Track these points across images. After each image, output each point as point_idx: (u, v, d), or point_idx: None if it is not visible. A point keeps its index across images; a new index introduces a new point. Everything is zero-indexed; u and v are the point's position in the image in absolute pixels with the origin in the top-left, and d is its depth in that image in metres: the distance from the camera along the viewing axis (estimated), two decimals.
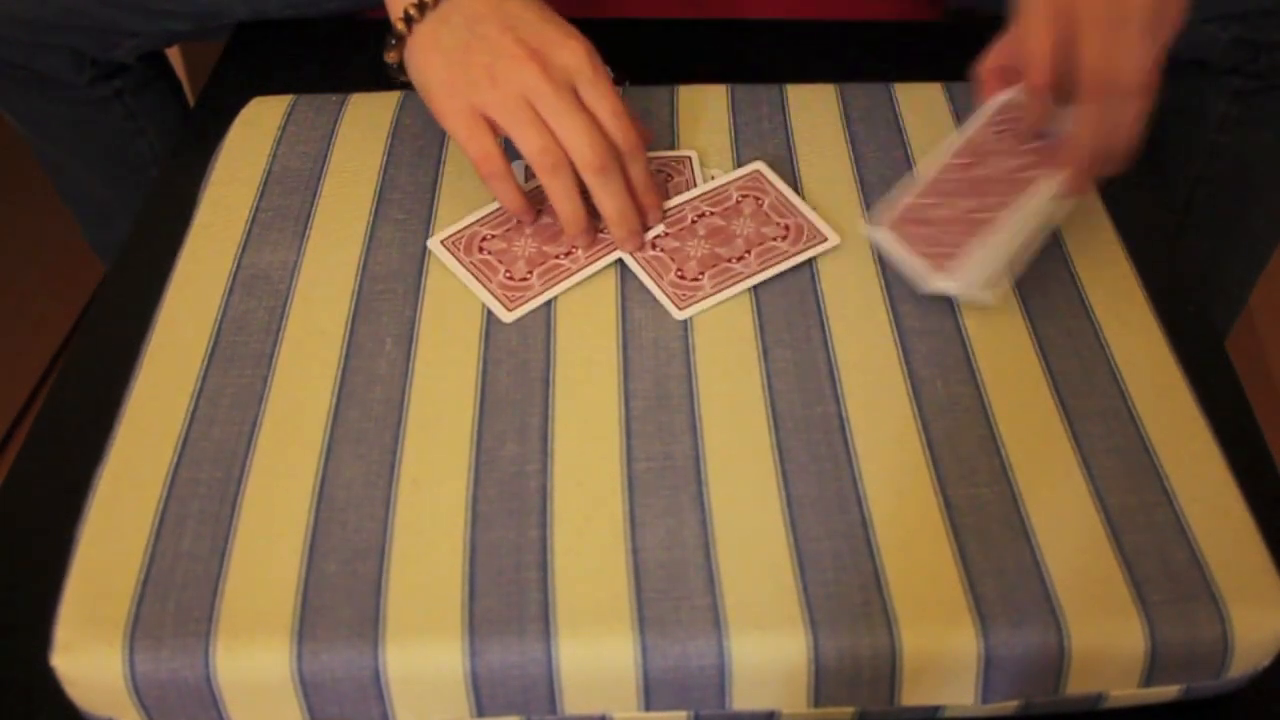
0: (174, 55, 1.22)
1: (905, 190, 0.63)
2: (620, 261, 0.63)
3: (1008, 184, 0.61)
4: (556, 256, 0.63)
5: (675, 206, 0.66)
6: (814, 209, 0.65)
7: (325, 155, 0.70)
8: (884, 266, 0.63)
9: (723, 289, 0.61)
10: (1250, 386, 0.64)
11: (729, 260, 0.62)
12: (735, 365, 0.58)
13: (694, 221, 0.65)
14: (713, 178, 0.67)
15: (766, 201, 0.66)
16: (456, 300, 0.61)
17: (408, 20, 0.63)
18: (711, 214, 0.65)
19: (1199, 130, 0.91)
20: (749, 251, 0.63)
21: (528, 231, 0.64)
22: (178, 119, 1.01)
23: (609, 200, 0.61)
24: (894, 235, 0.61)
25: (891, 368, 0.57)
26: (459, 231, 0.64)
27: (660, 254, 0.63)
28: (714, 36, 0.90)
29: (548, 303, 0.61)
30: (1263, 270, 1.01)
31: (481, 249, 0.63)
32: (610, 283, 0.62)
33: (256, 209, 0.67)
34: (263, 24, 0.91)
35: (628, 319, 0.60)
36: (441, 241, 0.64)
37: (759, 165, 0.68)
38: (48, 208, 1.19)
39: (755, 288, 0.61)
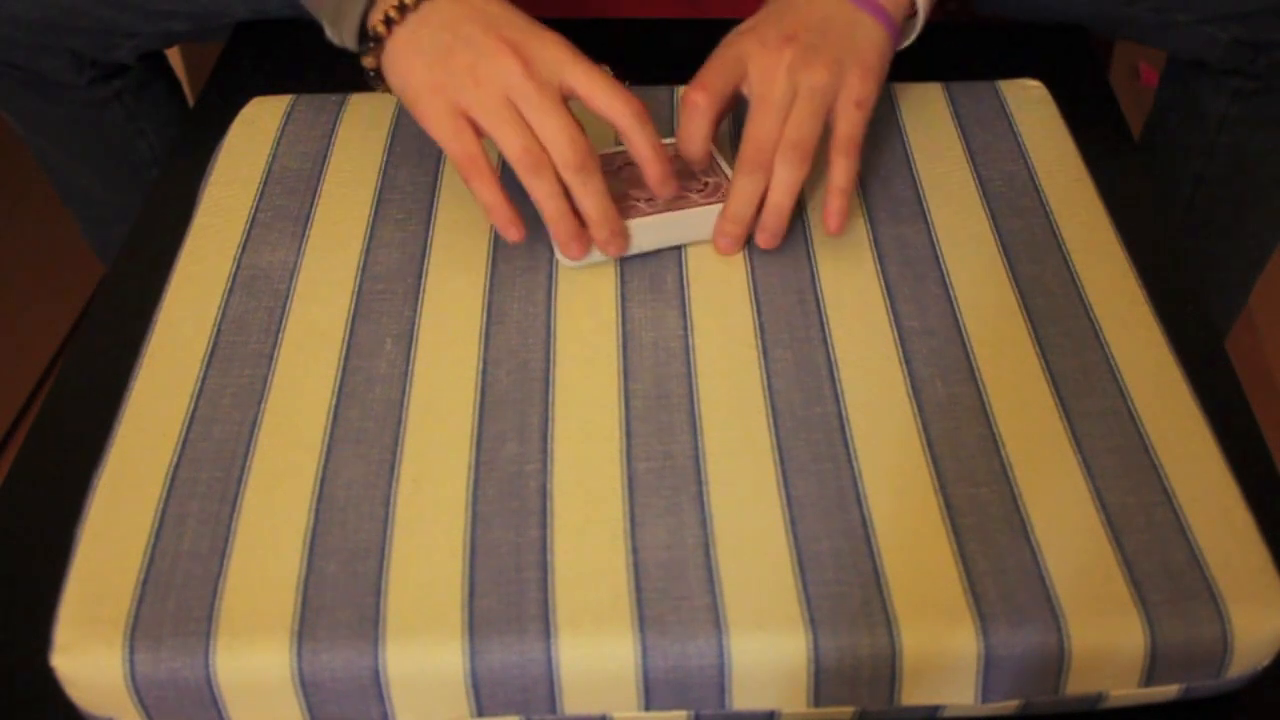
0: (174, 55, 1.22)
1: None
2: None
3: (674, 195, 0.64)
4: (637, 199, 0.64)
5: (610, 154, 0.67)
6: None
7: (325, 155, 0.70)
8: (885, 268, 0.63)
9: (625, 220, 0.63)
10: (1250, 386, 0.64)
11: (637, 200, 0.64)
12: (735, 365, 0.58)
13: (620, 168, 0.66)
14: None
15: (699, 164, 0.67)
16: (456, 300, 0.61)
17: (388, 23, 0.62)
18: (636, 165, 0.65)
19: (1198, 130, 0.91)
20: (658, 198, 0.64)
21: (623, 176, 0.65)
22: (178, 119, 1.01)
23: (587, 200, 0.61)
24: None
25: (891, 368, 0.57)
26: None
27: None
28: (714, 36, 0.90)
29: (548, 303, 0.61)
30: (1263, 270, 1.01)
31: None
32: (610, 282, 0.62)
33: (256, 209, 0.67)
34: (263, 24, 0.91)
35: (627, 319, 0.60)
36: None
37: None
38: (48, 208, 1.19)
39: (755, 287, 0.61)
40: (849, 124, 0.63)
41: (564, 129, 0.59)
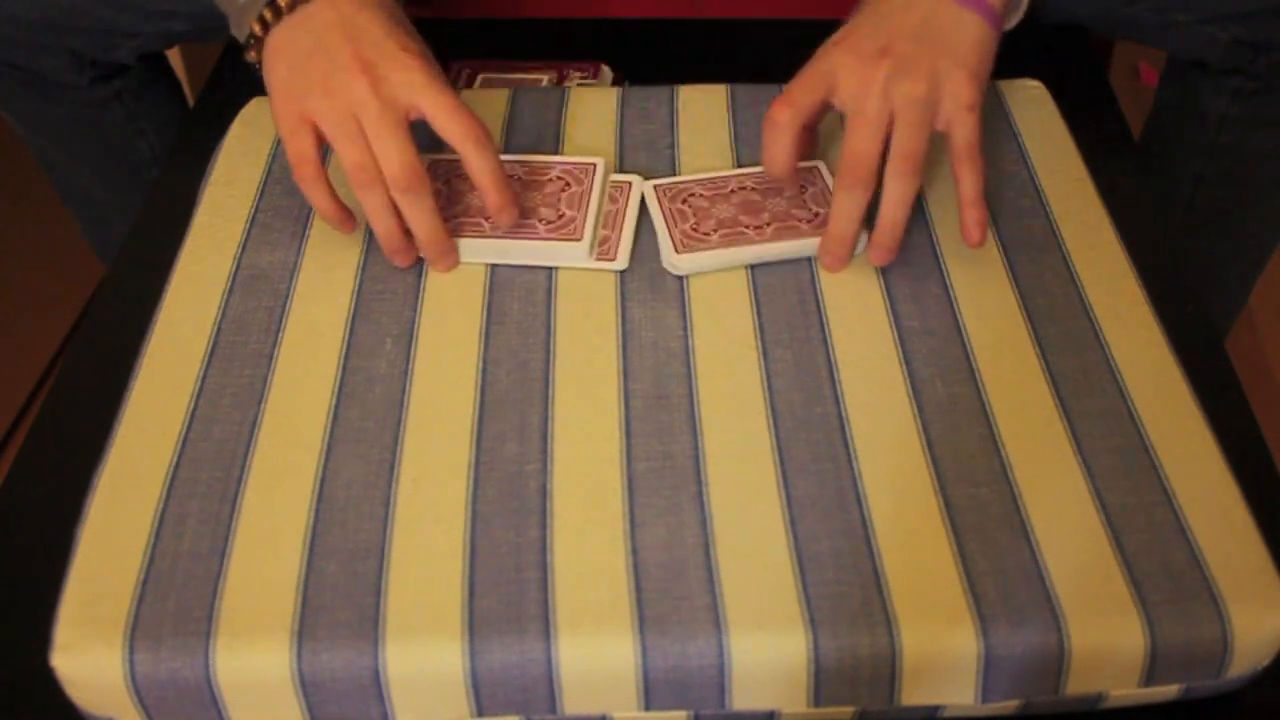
0: (174, 56, 1.22)
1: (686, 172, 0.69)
2: (643, 206, 0.66)
3: (781, 224, 0.64)
4: (746, 227, 0.64)
5: (723, 177, 0.68)
6: None
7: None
8: (885, 268, 0.63)
9: (726, 247, 0.62)
10: (1250, 386, 0.64)
11: (747, 227, 0.64)
12: (735, 365, 0.58)
13: (733, 191, 0.67)
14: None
15: (810, 191, 0.67)
16: (456, 300, 0.61)
17: (263, 24, 0.65)
18: (752, 189, 0.67)
19: (1199, 131, 0.91)
20: (769, 224, 0.64)
21: (734, 200, 0.66)
22: (178, 120, 1.01)
23: (414, 220, 0.61)
24: (659, 200, 0.66)
25: (891, 367, 0.57)
26: (676, 182, 0.67)
27: (686, 207, 0.65)
28: (714, 36, 0.90)
29: (548, 303, 0.61)
30: (1263, 270, 1.01)
31: (685, 201, 0.66)
32: (610, 282, 0.62)
33: (256, 209, 0.67)
34: None
35: (627, 319, 0.60)
36: (655, 186, 0.67)
37: (820, 162, 0.69)
38: (48, 208, 1.19)
39: (755, 287, 0.61)
40: (964, 130, 0.61)
41: (397, 150, 0.60)
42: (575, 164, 0.67)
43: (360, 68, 0.61)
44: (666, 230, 0.64)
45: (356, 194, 0.61)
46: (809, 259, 0.63)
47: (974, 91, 0.61)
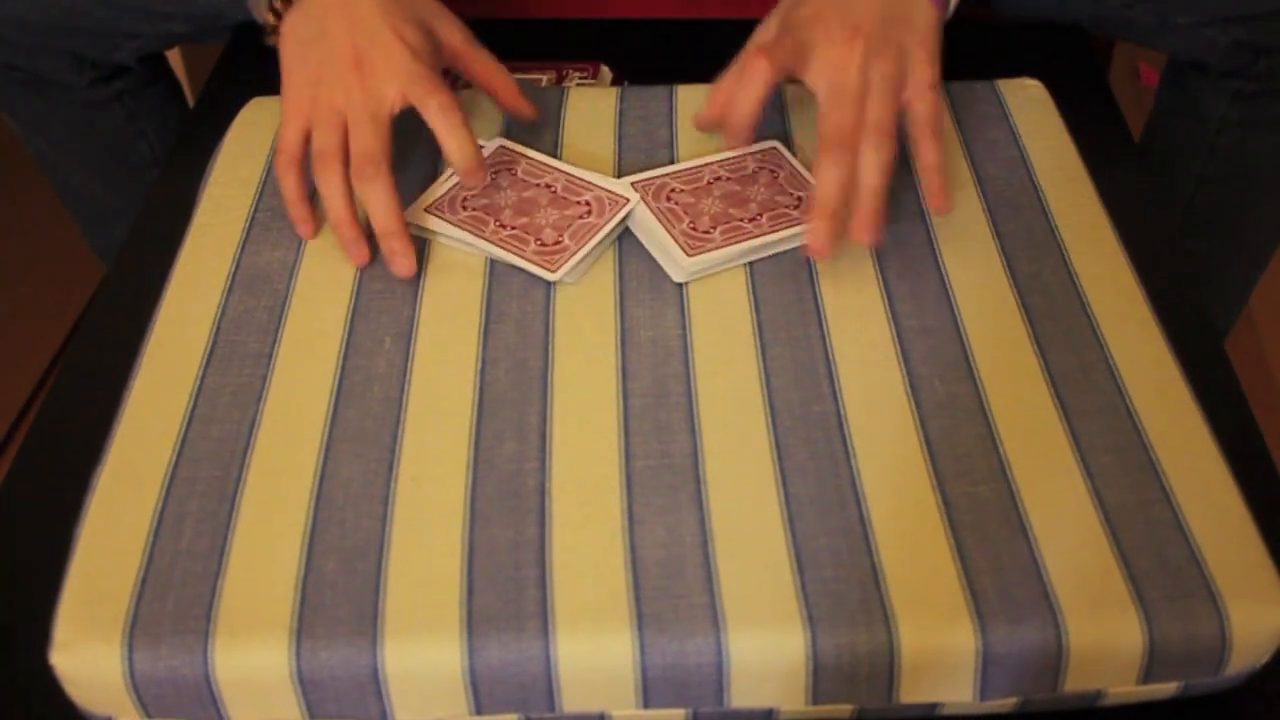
0: (174, 56, 1.22)
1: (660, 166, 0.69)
2: (632, 215, 0.65)
3: (771, 213, 0.65)
4: (741, 220, 0.64)
5: (693, 168, 0.68)
6: None
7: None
8: (884, 267, 0.63)
9: (732, 243, 0.63)
10: (1250, 386, 0.64)
11: (741, 220, 0.64)
12: (733, 363, 0.58)
13: (710, 183, 0.67)
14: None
15: (782, 175, 0.68)
16: (455, 299, 0.61)
17: (274, 12, 0.68)
18: (728, 179, 0.67)
19: (1199, 132, 0.91)
20: (761, 214, 0.65)
21: (716, 194, 0.66)
22: (178, 120, 1.01)
23: (370, 206, 0.62)
24: (654, 207, 0.65)
25: (890, 366, 0.57)
26: (653, 178, 0.67)
27: (674, 206, 0.65)
28: (714, 36, 0.90)
29: (546, 302, 0.61)
30: (1263, 270, 1.01)
31: (669, 198, 0.66)
32: (609, 281, 0.62)
33: (256, 209, 0.67)
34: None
35: (626, 317, 0.60)
36: (633, 184, 0.67)
37: (776, 143, 0.70)
38: (48, 208, 1.19)
39: (754, 285, 0.61)
40: (926, 105, 0.64)
41: (364, 137, 0.62)
42: (609, 195, 0.66)
43: (352, 59, 0.63)
44: (668, 234, 0.63)
45: (315, 177, 0.63)
46: (806, 259, 0.63)
47: (934, 71, 0.64)
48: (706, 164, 0.68)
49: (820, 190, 0.61)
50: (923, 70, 0.64)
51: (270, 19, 0.68)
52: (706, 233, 0.63)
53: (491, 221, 0.64)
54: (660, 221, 0.64)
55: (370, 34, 0.63)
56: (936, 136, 0.64)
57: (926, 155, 0.64)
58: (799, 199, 0.66)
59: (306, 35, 0.65)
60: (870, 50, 0.62)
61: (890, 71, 0.63)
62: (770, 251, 0.63)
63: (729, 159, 0.68)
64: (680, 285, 0.62)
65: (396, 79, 0.63)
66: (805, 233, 0.62)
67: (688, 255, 0.62)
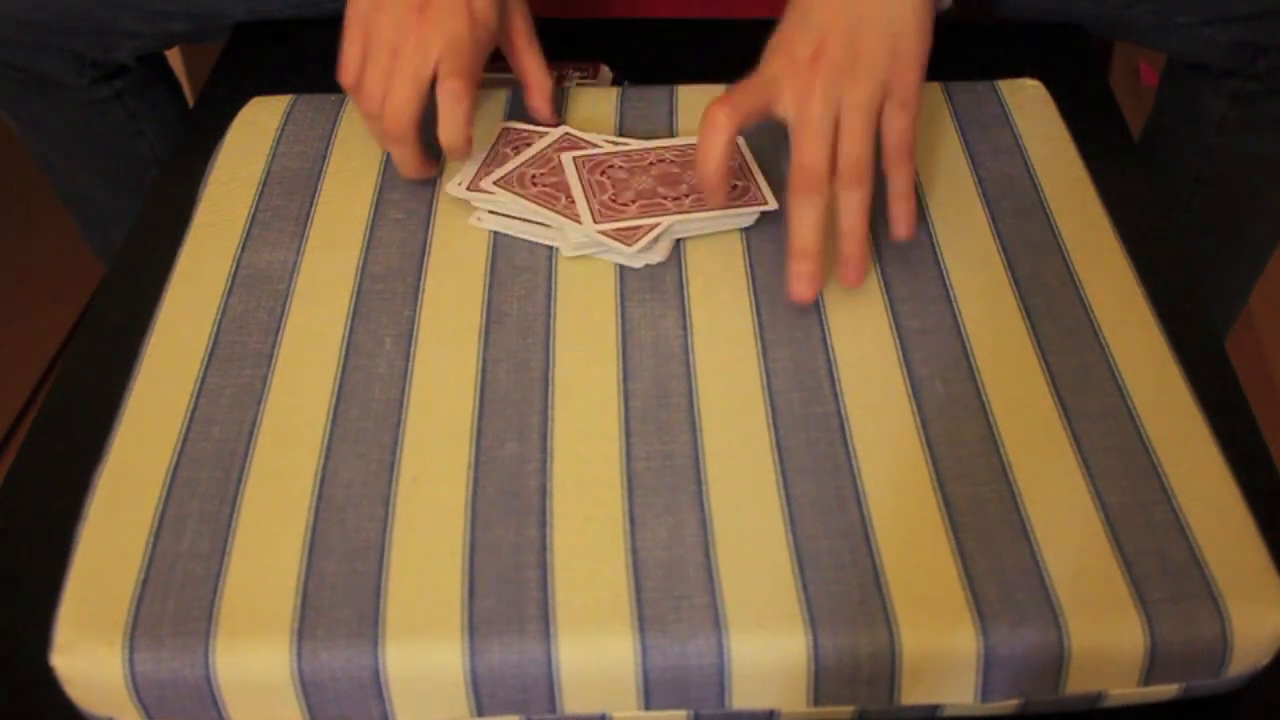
0: (174, 56, 1.22)
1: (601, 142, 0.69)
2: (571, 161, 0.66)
3: (696, 195, 0.65)
4: (664, 199, 0.64)
5: (640, 150, 0.68)
6: (766, 180, 0.66)
7: (324, 155, 0.70)
8: (884, 268, 0.63)
9: (645, 217, 0.63)
10: (1250, 386, 0.64)
11: (665, 199, 0.64)
12: (735, 364, 0.58)
13: (651, 164, 0.67)
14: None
15: (730, 165, 0.66)
16: (456, 300, 0.61)
17: None
18: (671, 161, 0.67)
19: (1198, 132, 0.91)
20: (688, 196, 0.65)
21: (653, 173, 0.66)
22: (178, 120, 1.01)
23: (400, 166, 0.66)
24: (578, 171, 0.66)
25: (891, 367, 0.57)
26: (592, 155, 0.68)
27: (604, 179, 0.66)
28: (714, 36, 0.90)
29: (547, 302, 0.61)
30: (1263, 270, 1.01)
31: (604, 173, 0.66)
32: (610, 281, 0.62)
33: (255, 209, 0.67)
34: (262, 24, 0.91)
35: (627, 318, 0.60)
36: (574, 158, 0.67)
37: (738, 138, 0.69)
38: (48, 208, 1.19)
39: (754, 287, 0.61)
40: (896, 132, 0.61)
41: (397, 99, 0.64)
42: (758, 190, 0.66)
43: (413, 15, 0.64)
44: (585, 201, 0.63)
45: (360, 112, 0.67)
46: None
47: (909, 86, 0.61)
48: (654, 147, 0.68)
49: (794, 235, 0.59)
50: (897, 85, 0.60)
51: None
52: (624, 205, 0.63)
53: (666, 199, 0.64)
54: (583, 188, 0.65)
55: (439, 5, 0.64)
56: (908, 160, 0.61)
57: (897, 182, 0.62)
58: (733, 186, 0.65)
59: None
60: (836, 71, 0.59)
61: (860, 97, 0.59)
62: (689, 233, 0.64)
63: (680, 145, 0.68)
64: (681, 285, 0.62)
65: (443, 39, 0.63)
66: (787, 278, 0.60)
67: (595, 223, 0.62)
